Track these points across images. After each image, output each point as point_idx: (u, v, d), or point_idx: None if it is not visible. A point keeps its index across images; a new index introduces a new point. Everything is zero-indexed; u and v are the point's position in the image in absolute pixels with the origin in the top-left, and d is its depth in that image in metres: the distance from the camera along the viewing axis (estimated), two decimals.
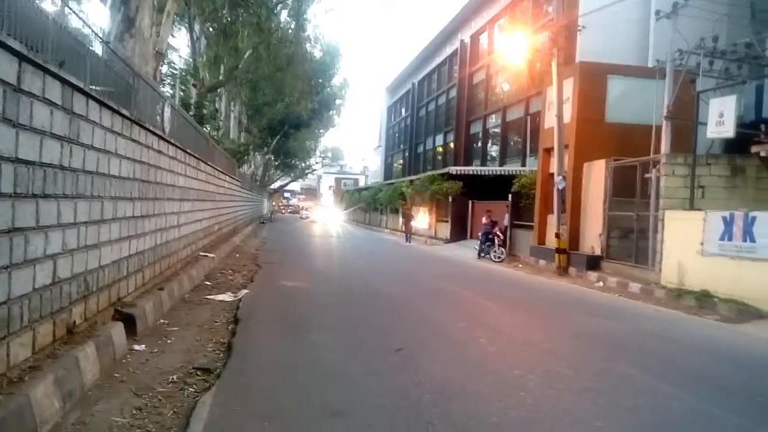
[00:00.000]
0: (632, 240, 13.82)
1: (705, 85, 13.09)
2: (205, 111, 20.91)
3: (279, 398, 4.56)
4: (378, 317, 8.38)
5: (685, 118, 12.79)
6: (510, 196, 20.66)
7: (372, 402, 4.52)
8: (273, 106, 34.39)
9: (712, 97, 12.33)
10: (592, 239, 15.46)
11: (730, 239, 10.53)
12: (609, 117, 15.85)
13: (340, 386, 4.93)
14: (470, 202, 26.78)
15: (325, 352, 6.09)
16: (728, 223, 10.59)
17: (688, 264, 11.46)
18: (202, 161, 12.60)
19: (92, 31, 6.37)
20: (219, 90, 24.70)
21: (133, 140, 6.72)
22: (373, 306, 9.39)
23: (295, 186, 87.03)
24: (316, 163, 67.29)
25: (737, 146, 13.01)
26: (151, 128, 7.57)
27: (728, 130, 11.82)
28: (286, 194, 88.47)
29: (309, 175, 76.77)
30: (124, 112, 6.25)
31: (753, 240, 10.07)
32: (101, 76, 5.70)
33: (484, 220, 20.58)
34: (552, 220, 16.57)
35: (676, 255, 11.83)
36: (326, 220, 48.27)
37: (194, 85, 21.71)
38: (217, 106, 25.62)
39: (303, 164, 63.05)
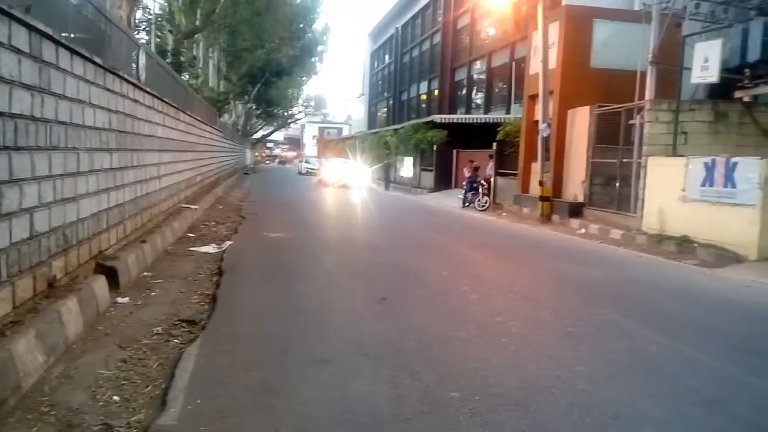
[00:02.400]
0: (615, 187, 13.90)
1: (691, 29, 12.93)
2: (182, 58, 20.30)
3: (264, 348, 4.59)
4: (361, 267, 8.42)
5: (671, 63, 12.67)
6: (495, 144, 20.58)
7: (356, 350, 4.57)
8: (253, 53, 33.47)
9: (698, 42, 12.19)
10: (575, 187, 15.53)
11: (711, 185, 10.63)
12: (595, 63, 15.66)
13: (325, 335, 4.98)
14: (455, 150, 26.69)
15: (309, 301, 6.11)
16: (710, 169, 10.66)
17: (669, 210, 11.59)
18: (181, 111, 12.31)
19: None
20: (196, 36, 23.93)
21: (108, 89, 6.50)
22: (356, 256, 9.42)
23: (278, 136, 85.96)
24: (299, 112, 66.11)
25: (721, 91, 12.95)
26: (126, 77, 7.33)
27: (713, 75, 11.74)
28: (269, 144, 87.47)
29: (292, 125, 75.70)
30: (97, 60, 6.01)
31: (734, 186, 10.17)
32: (71, 22, 5.45)
33: (466, 170, 20.58)
34: (536, 168, 16.59)
35: (658, 201, 11.95)
36: (346, 179, 28.69)
37: (170, 31, 21.01)
38: (194, 53, 24.89)
39: (285, 113, 61.97)
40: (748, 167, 9.95)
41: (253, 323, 5.25)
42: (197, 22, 21.94)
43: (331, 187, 27.22)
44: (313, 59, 47.44)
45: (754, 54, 11.65)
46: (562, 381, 4.10)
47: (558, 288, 7.52)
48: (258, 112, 53.74)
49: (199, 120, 15.87)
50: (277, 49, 34.07)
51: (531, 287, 7.39)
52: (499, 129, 20.58)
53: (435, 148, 27.29)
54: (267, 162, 76.93)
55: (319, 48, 46.89)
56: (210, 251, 8.77)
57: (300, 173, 44.82)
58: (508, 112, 25.65)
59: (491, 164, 20.78)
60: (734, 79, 12.31)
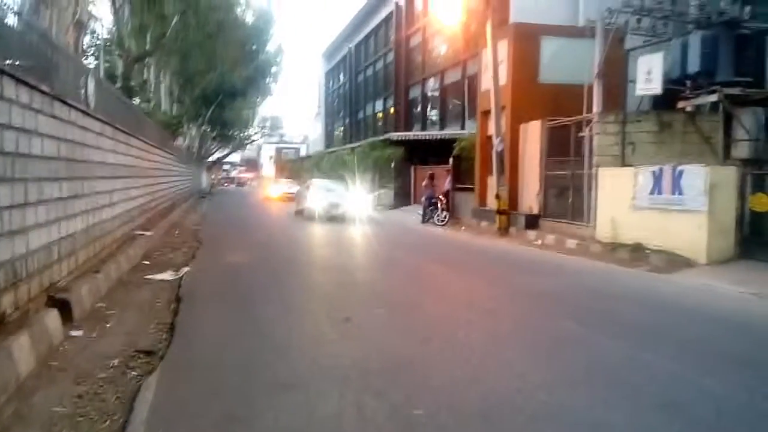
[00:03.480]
0: (568, 198, 14.26)
1: (633, 43, 13.48)
2: (132, 82, 19.94)
3: (225, 375, 4.51)
4: (325, 288, 8.38)
5: (616, 76, 13.15)
6: (451, 159, 20.88)
7: (321, 374, 4.54)
8: (205, 75, 33.14)
9: (641, 55, 12.71)
10: (531, 199, 15.86)
11: (660, 193, 11.01)
12: (543, 78, 16.13)
13: (288, 359, 4.92)
14: (412, 167, 26.93)
15: (271, 326, 6.04)
16: (657, 177, 11.05)
17: (621, 218, 11.94)
18: (133, 136, 12.08)
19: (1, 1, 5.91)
20: (147, 60, 23.57)
21: (55, 117, 6.34)
22: (318, 276, 9.38)
23: (235, 157, 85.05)
24: (255, 133, 65.69)
25: (665, 102, 13.52)
26: (75, 104, 7.16)
27: (656, 87, 12.25)
28: (226, 166, 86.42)
29: (248, 146, 75.08)
30: (44, 87, 5.87)
31: (681, 192, 10.56)
32: (16, 50, 5.31)
33: (424, 183, 20.80)
34: (492, 182, 16.88)
35: (610, 210, 12.30)
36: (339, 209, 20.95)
37: (120, 56, 20.61)
38: (145, 76, 24.48)
39: (241, 135, 61.43)
40: (694, 174, 10.36)
41: (213, 351, 5.15)
42: (147, 46, 21.62)
43: (291, 207, 26.71)
44: (267, 80, 47.24)
45: (693, 66, 12.22)
46: (524, 392, 4.16)
47: (517, 300, 7.64)
48: (213, 134, 53.12)
49: (151, 144, 15.58)
50: (230, 71, 33.80)
51: (491, 300, 7.48)
52: (455, 144, 20.91)
53: (393, 165, 27.48)
54: (225, 184, 75.98)
55: (273, 69, 46.74)
56: (167, 278, 8.57)
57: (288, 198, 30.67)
58: (463, 128, 26.10)
59: (449, 179, 21.06)
60: (677, 90, 12.86)
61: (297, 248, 13.19)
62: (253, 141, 70.84)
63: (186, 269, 9.32)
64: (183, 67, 30.77)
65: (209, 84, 35.13)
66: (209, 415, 3.72)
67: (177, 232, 15.40)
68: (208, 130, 49.40)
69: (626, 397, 4.15)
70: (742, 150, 12.46)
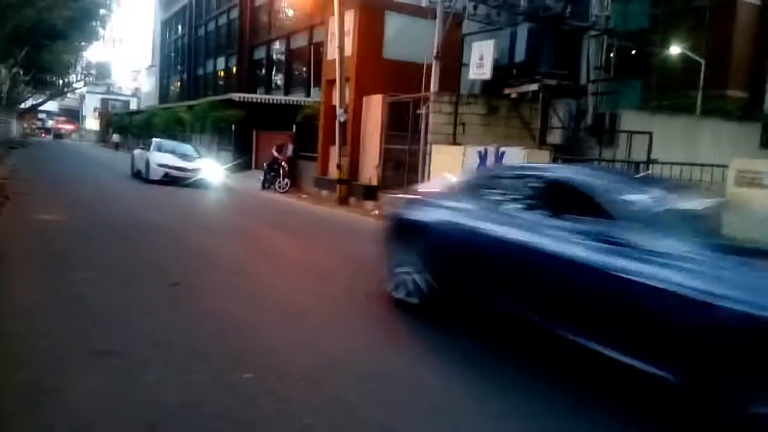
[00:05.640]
0: (404, 172, 14.91)
1: (470, 29, 14.29)
2: None
3: (35, 345, 4.12)
4: (152, 251, 7.93)
5: (453, 59, 13.91)
6: (294, 126, 20.70)
7: (145, 339, 4.35)
8: (20, 10, 29.07)
9: (475, 41, 13.55)
10: (370, 170, 16.34)
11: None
12: (387, 53, 16.54)
13: (109, 326, 4.62)
14: (255, 131, 26.25)
15: (90, 291, 5.59)
16: (483, 156, 11.98)
17: None
18: None
19: None
20: None
21: None
22: (145, 239, 8.82)
23: (53, 106, 76.15)
24: (78, 80, 59.23)
25: (494, 88, 14.58)
26: None
27: (486, 73, 13.17)
28: (42, 115, 77.24)
29: (70, 95, 67.61)
30: None
31: None
32: None
33: (274, 151, 20.40)
34: (334, 151, 17.08)
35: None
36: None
37: None
38: None
39: (61, 81, 55.05)
40: (513, 155, 11.38)
41: (23, 318, 4.66)
42: None
43: (117, 166, 24.76)
44: (93, 23, 42.61)
45: (520, 55, 13.27)
46: (352, 354, 4.38)
47: (350, 266, 7.91)
48: (27, 78, 46.99)
49: None
50: (49, 8, 29.99)
51: (326, 266, 7.68)
52: (299, 111, 20.74)
53: (234, 127, 26.53)
54: (43, 135, 68.16)
55: (102, 12, 42.31)
56: None
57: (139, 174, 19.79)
58: (308, 95, 25.92)
59: (291, 146, 20.88)
60: (505, 77, 13.93)
61: (125, 210, 12.26)
62: (75, 89, 63.89)
63: None
64: None
65: (24, 21, 30.83)
66: (14, 386, 3.40)
67: None
68: (21, 72, 43.61)
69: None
70: (555, 137, 13.93)
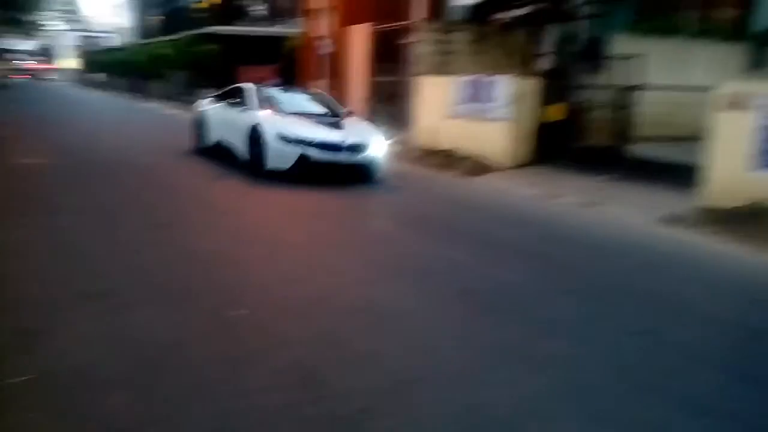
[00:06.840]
0: (394, 105, 14.68)
1: None
2: None
3: (20, 288, 4.12)
4: (139, 192, 7.87)
5: None
6: (279, 60, 20.18)
7: (136, 279, 4.39)
8: None
9: None
10: (358, 105, 16.06)
11: (473, 102, 11.78)
12: None
13: (98, 268, 4.62)
14: (240, 67, 25.57)
15: (76, 235, 5.55)
16: (471, 86, 11.77)
17: (439, 126, 12.63)
18: None
19: None
20: None
21: None
22: (132, 181, 8.69)
23: (28, 46, 73.42)
24: (54, 18, 56.95)
25: (482, 15, 14.14)
26: None
27: None
28: (16, 56, 74.64)
29: (47, 33, 65.10)
30: None
31: (491, 101, 11.39)
32: None
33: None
34: (319, 85, 16.73)
35: (429, 117, 12.93)
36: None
37: None
38: None
39: (36, 19, 52.82)
40: (503, 84, 11.19)
41: (2, 264, 4.68)
42: None
43: (100, 106, 24.18)
44: None
45: None
46: (343, 288, 4.46)
47: (340, 202, 7.91)
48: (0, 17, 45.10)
49: None
50: None
51: (315, 206, 7.64)
52: (284, 44, 20.17)
53: (215, 63, 25.83)
54: (25, 77, 66.25)
55: None
56: None
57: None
58: (292, 27, 25.05)
59: (273, 81, 20.39)
60: (494, 3, 13.48)
61: (104, 149, 12.01)
62: (53, 28, 61.57)
63: None
64: None
65: None
66: (6, 331, 3.44)
67: None
68: None
69: (427, 288, 4.62)
70: (545, 63, 13.61)
